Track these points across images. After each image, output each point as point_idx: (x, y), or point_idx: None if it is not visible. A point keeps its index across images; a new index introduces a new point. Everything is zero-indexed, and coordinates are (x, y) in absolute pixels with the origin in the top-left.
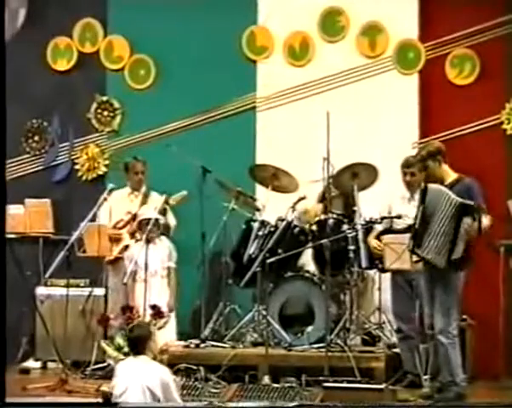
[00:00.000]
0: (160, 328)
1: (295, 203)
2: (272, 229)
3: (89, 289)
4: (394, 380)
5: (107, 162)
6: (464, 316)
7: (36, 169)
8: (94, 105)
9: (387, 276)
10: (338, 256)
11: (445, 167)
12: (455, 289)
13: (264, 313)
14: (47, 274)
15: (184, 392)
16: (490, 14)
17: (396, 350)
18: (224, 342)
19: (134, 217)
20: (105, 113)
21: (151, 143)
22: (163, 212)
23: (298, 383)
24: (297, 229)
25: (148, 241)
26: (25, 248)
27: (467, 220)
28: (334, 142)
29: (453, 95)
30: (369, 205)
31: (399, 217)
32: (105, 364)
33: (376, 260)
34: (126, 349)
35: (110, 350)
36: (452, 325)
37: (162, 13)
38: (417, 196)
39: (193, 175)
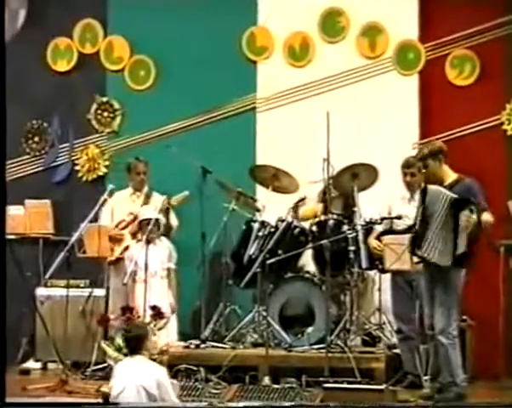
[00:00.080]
0: (160, 329)
1: (295, 204)
2: (272, 229)
3: (89, 290)
4: (394, 381)
5: (107, 163)
6: (464, 316)
7: (37, 170)
8: (94, 106)
9: (387, 277)
10: (338, 256)
11: (445, 167)
12: (455, 289)
13: (264, 313)
14: (47, 275)
15: (185, 392)
16: (490, 15)
17: (396, 351)
18: (225, 343)
19: (136, 217)
20: (105, 114)
21: (151, 143)
22: (166, 212)
23: (299, 384)
24: (297, 230)
25: (148, 242)
26: (25, 249)
27: (464, 213)
28: (334, 142)
29: (453, 96)
30: (369, 205)
31: (399, 217)
32: (105, 364)
33: (376, 261)
34: (126, 350)
35: (110, 351)
36: (452, 325)
37: (162, 13)
38: (417, 197)
39: (193, 176)
